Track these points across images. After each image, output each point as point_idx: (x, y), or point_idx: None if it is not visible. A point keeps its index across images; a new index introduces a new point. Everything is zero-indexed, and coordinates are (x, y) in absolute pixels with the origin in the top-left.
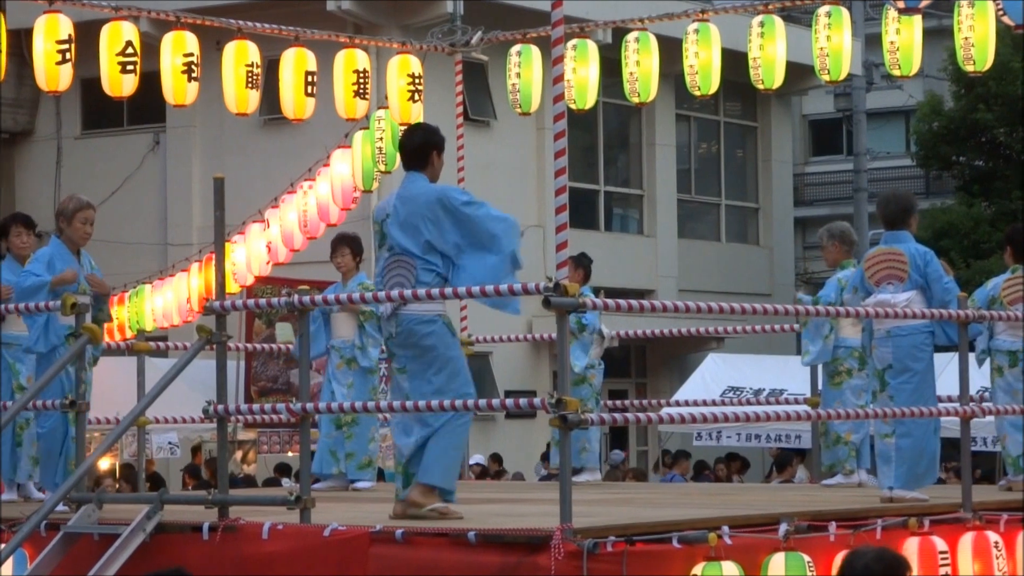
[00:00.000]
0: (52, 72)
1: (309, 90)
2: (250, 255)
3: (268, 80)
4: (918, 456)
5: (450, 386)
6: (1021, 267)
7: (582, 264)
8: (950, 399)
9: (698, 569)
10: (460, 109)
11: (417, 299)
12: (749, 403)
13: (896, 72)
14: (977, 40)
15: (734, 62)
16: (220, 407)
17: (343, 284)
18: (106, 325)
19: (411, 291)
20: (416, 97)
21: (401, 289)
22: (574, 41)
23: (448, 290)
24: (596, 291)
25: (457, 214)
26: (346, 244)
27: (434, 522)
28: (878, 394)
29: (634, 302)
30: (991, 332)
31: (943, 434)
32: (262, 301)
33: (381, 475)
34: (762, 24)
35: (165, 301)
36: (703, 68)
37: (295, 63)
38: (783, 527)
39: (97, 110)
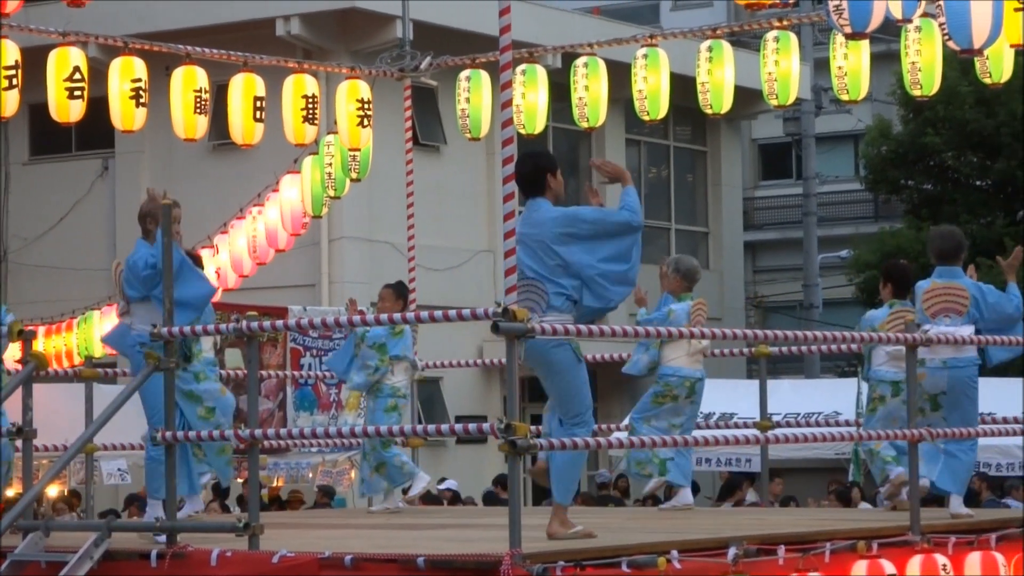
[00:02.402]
0: None
1: (258, 115)
2: None
3: (217, 105)
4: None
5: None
6: (899, 303)
7: (402, 294)
8: None
9: None
10: (409, 134)
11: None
12: (699, 427)
13: (844, 96)
14: (924, 65)
15: (683, 87)
16: (168, 434)
17: None
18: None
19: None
20: (365, 122)
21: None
22: (523, 66)
23: (410, 315)
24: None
25: (585, 223)
26: None
27: (384, 548)
28: (928, 413)
29: (584, 327)
30: (870, 362)
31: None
32: (210, 327)
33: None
34: (710, 49)
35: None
36: (652, 93)
37: (244, 88)
38: (732, 551)
39: (45, 136)
